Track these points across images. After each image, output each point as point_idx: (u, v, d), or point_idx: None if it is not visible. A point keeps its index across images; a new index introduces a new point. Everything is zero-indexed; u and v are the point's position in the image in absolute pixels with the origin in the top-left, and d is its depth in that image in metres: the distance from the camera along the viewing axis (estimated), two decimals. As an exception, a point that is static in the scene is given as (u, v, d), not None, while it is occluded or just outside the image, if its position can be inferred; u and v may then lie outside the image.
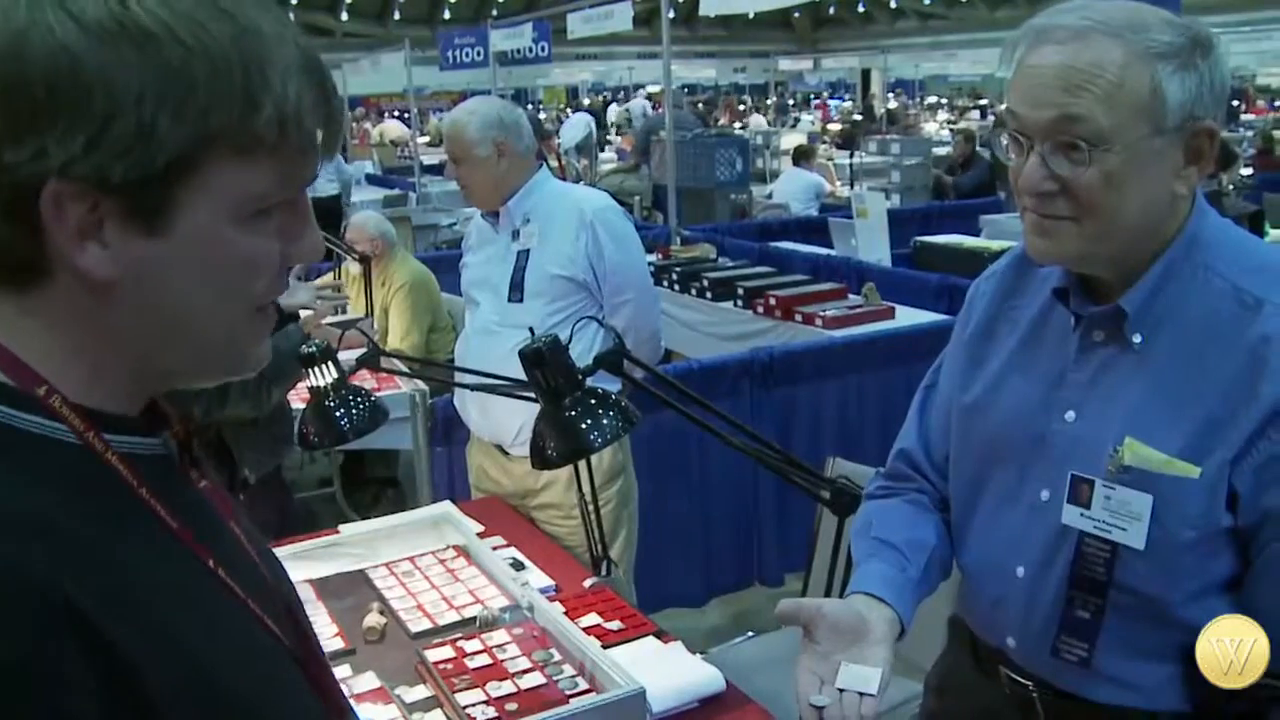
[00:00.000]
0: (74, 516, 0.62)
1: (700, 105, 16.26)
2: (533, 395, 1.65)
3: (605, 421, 1.57)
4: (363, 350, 2.30)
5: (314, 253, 0.73)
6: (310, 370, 2.10)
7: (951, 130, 13.94)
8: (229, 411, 2.60)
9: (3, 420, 0.63)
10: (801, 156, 9.70)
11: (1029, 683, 1.32)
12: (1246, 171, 8.97)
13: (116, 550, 0.64)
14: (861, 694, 1.19)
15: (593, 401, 1.58)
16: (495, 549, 2.25)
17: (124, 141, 0.61)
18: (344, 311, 3.51)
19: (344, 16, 27.77)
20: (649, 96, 20.43)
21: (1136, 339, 1.20)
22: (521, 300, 2.55)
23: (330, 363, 2.11)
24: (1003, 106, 1.27)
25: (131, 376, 0.70)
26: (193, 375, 0.74)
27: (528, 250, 2.57)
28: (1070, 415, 1.25)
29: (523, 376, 1.65)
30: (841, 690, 1.20)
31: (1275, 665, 1.10)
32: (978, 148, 9.71)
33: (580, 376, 1.59)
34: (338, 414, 2.09)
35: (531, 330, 1.63)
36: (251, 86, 0.64)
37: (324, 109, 0.69)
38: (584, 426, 1.57)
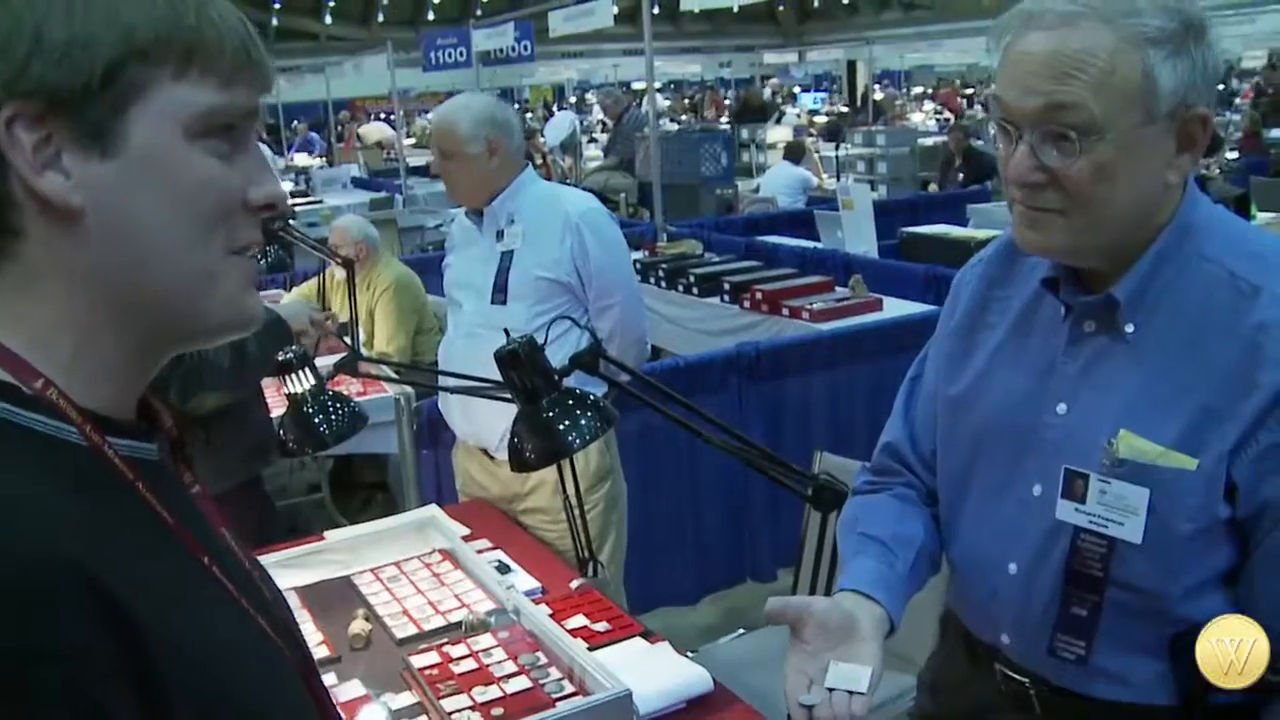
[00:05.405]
0: (84, 503, 0.63)
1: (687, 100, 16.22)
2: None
3: (583, 422, 1.55)
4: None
5: (279, 198, 0.74)
6: (287, 377, 2.08)
7: (940, 120, 13.92)
8: (207, 398, 2.52)
9: (5, 416, 0.64)
10: (791, 153, 9.75)
11: (1025, 679, 1.29)
12: (1232, 155, 9.00)
13: (126, 537, 0.65)
14: (851, 692, 1.17)
15: (570, 402, 1.56)
16: (481, 552, 2.23)
17: (58, 48, 0.63)
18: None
19: (328, 20, 27.74)
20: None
21: (1129, 328, 1.18)
22: (505, 302, 2.51)
23: (307, 369, 2.09)
24: (988, 91, 1.25)
25: (123, 344, 0.70)
26: (188, 326, 0.72)
27: (512, 251, 2.53)
28: (1061, 408, 1.23)
29: (507, 379, 1.63)
30: (831, 689, 1.18)
31: (1275, 660, 1.08)
32: (972, 141, 9.69)
33: (558, 377, 1.58)
34: (316, 420, 2.07)
35: (507, 332, 1.61)
36: None
37: (245, 37, 0.71)
38: (562, 427, 1.55)
